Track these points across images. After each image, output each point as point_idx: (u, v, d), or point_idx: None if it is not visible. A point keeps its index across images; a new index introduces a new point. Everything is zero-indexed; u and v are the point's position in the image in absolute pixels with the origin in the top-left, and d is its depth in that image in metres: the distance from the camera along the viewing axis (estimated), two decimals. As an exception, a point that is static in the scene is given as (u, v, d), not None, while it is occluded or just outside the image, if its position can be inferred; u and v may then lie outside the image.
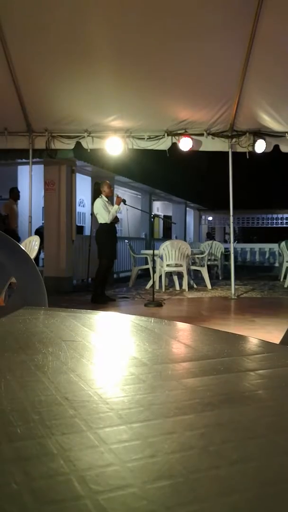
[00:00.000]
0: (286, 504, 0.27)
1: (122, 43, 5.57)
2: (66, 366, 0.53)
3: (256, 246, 16.14)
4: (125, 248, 10.30)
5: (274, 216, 23.45)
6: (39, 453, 0.32)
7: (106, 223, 6.37)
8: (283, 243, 9.53)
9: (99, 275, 6.57)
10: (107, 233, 6.40)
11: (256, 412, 0.41)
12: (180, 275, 8.35)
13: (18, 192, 8.94)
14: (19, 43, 5.69)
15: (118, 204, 6.41)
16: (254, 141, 6.93)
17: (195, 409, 0.40)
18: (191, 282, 8.61)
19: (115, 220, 6.52)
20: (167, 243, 8.14)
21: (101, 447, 0.33)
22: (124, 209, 8.91)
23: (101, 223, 6.44)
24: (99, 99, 6.41)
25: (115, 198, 6.58)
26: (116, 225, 6.68)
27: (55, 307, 1.02)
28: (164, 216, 18.60)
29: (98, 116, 6.79)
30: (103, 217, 6.37)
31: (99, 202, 6.44)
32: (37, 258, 7.04)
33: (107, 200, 6.49)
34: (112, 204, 6.47)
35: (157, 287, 7.71)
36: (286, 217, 23.20)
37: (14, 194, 8.82)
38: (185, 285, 8.14)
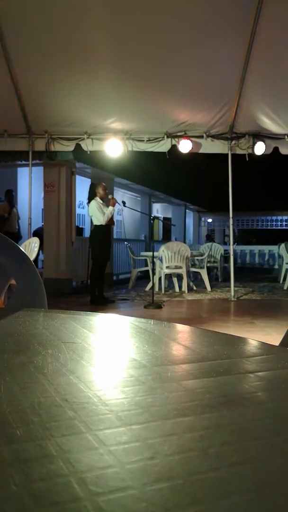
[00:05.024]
0: (285, 505, 0.27)
1: (121, 45, 5.59)
2: (65, 368, 0.53)
3: (256, 248, 16.14)
4: (124, 250, 10.30)
5: (274, 218, 23.46)
6: (39, 455, 0.32)
7: (100, 225, 6.40)
8: (282, 245, 9.53)
9: (94, 276, 6.61)
10: (100, 234, 6.44)
11: (256, 414, 0.41)
12: (179, 277, 8.35)
13: (12, 194, 8.96)
14: (19, 45, 5.70)
15: (113, 205, 6.44)
16: (254, 143, 6.93)
17: (195, 411, 0.40)
18: (191, 284, 8.61)
19: (110, 222, 6.54)
20: (167, 245, 8.15)
21: (100, 449, 0.33)
22: (124, 211, 8.91)
23: (95, 225, 6.49)
24: (99, 101, 6.42)
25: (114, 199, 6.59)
26: (113, 226, 6.69)
27: (54, 308, 1.02)
28: (163, 218, 18.62)
29: (98, 118, 6.80)
30: (98, 219, 6.40)
31: (94, 204, 6.47)
32: (36, 259, 7.04)
33: (101, 202, 6.51)
34: (107, 206, 6.49)
35: (156, 289, 7.71)
36: (286, 219, 23.20)
37: (8, 197, 8.86)
38: (184, 287, 8.14)
